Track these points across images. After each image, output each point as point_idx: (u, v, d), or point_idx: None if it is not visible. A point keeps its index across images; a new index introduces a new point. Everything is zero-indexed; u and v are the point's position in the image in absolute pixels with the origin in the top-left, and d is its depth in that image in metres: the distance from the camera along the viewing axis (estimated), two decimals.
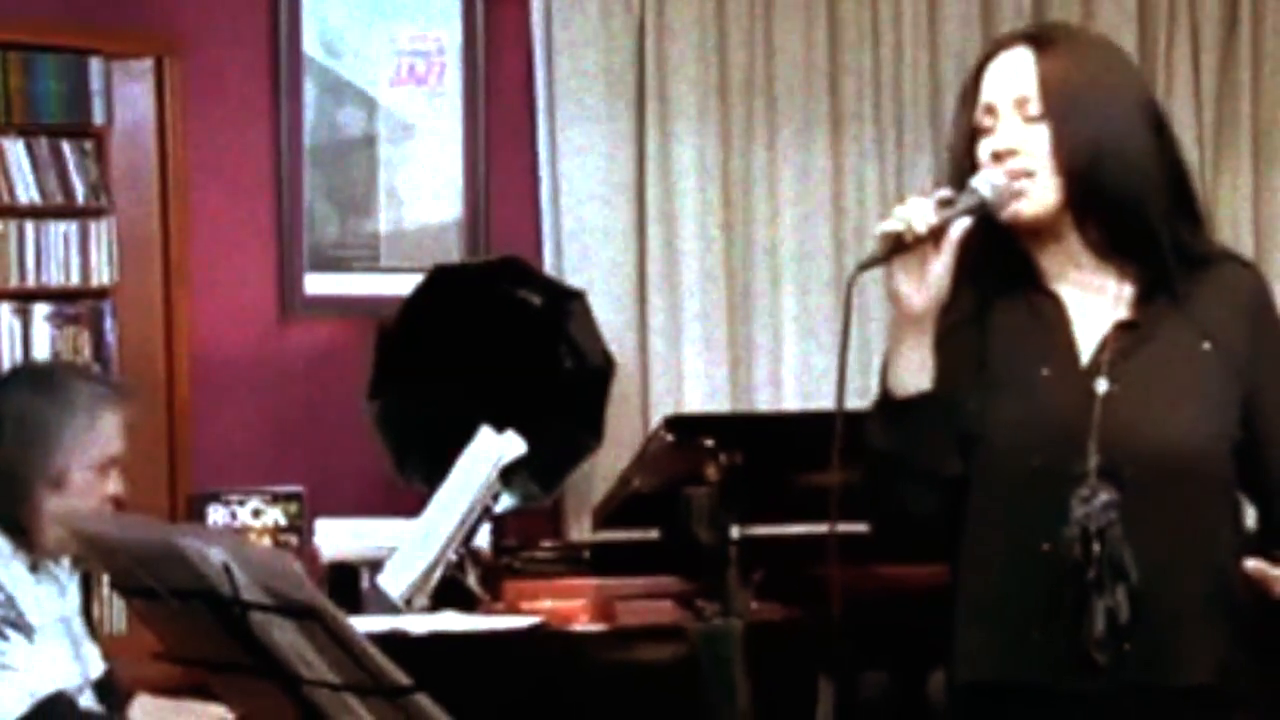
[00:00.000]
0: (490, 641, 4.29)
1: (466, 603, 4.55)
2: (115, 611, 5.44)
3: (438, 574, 4.52)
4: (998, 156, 2.71)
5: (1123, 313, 2.74)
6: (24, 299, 5.55)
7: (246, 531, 5.05)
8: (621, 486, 5.09)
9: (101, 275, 5.60)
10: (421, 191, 6.11)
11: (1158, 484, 2.65)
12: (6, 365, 5.30)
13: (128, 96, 5.62)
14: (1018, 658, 2.70)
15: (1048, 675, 2.68)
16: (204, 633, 2.64)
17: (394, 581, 4.52)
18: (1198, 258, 2.75)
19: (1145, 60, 6.46)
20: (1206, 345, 2.72)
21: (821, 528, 2.77)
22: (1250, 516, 2.82)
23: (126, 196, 5.63)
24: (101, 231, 5.60)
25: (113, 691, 3.73)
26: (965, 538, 2.76)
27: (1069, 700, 2.68)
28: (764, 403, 6.30)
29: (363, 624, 3.37)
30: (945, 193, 2.70)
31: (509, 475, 4.85)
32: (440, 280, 5.67)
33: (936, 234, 2.65)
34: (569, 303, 5.83)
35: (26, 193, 5.51)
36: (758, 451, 4.70)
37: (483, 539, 4.81)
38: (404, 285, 5.73)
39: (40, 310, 5.55)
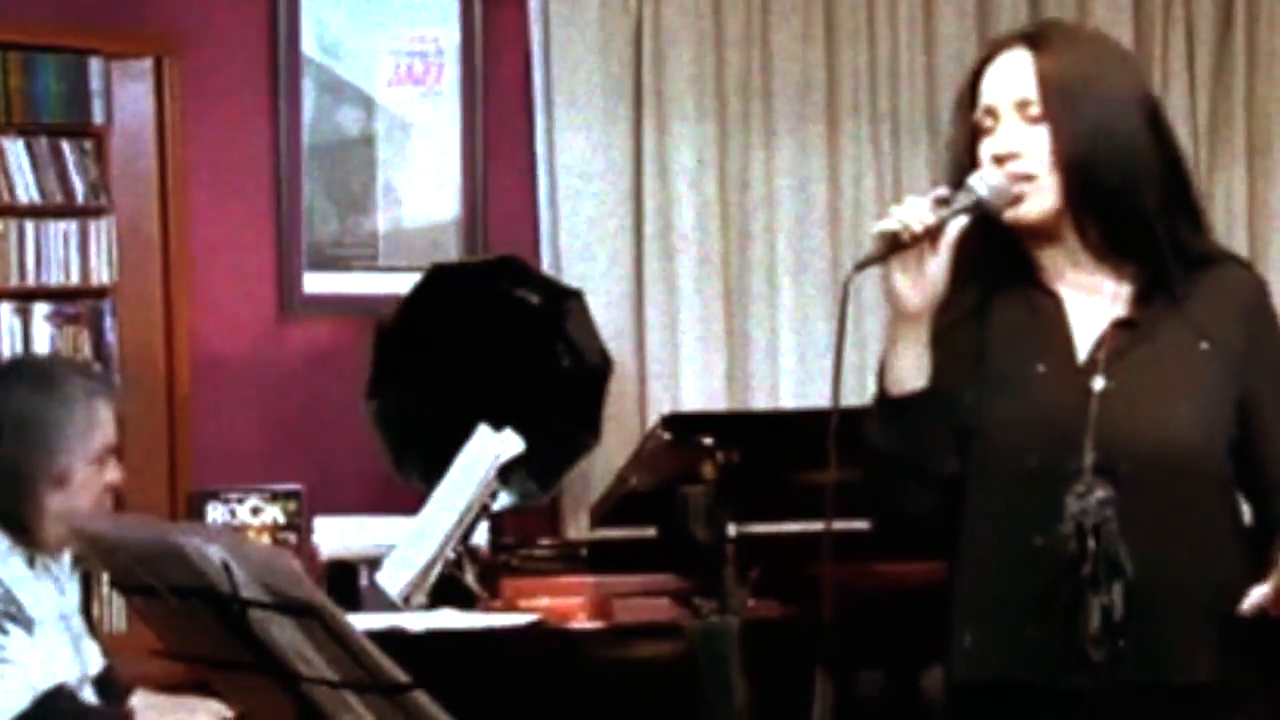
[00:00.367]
0: (488, 639, 4.28)
1: (464, 600, 4.54)
2: (115, 610, 5.45)
3: (436, 572, 4.52)
4: (999, 160, 2.72)
5: (1121, 311, 2.75)
6: (24, 298, 5.56)
7: (245, 529, 5.05)
8: (619, 485, 5.09)
9: (101, 274, 5.61)
10: (420, 191, 6.11)
11: (1153, 481, 2.66)
12: None
13: (127, 96, 5.63)
14: (1014, 655, 2.70)
15: (1044, 673, 2.68)
16: (203, 630, 2.65)
17: (392, 579, 4.53)
18: (1197, 258, 2.76)
19: (1140, 58, 6.45)
20: (1204, 345, 2.72)
21: (818, 525, 2.78)
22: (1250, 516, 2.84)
23: (126, 196, 5.64)
24: (101, 231, 5.60)
25: (112, 687, 3.73)
26: (962, 535, 2.77)
27: (1066, 698, 2.68)
28: (761, 401, 6.30)
29: (361, 621, 3.37)
30: (942, 192, 2.70)
31: (507, 473, 4.85)
32: (438, 279, 5.67)
33: (933, 233, 2.66)
34: (567, 302, 5.84)
35: (26, 192, 5.52)
36: (755, 450, 4.70)
37: (481, 537, 4.81)
38: (402, 284, 5.73)
39: (40, 309, 5.56)
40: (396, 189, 6.10)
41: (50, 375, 3.66)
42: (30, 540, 3.58)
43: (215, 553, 2.51)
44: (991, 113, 2.75)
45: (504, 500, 5.37)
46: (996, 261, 2.77)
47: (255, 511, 5.09)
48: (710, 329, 6.24)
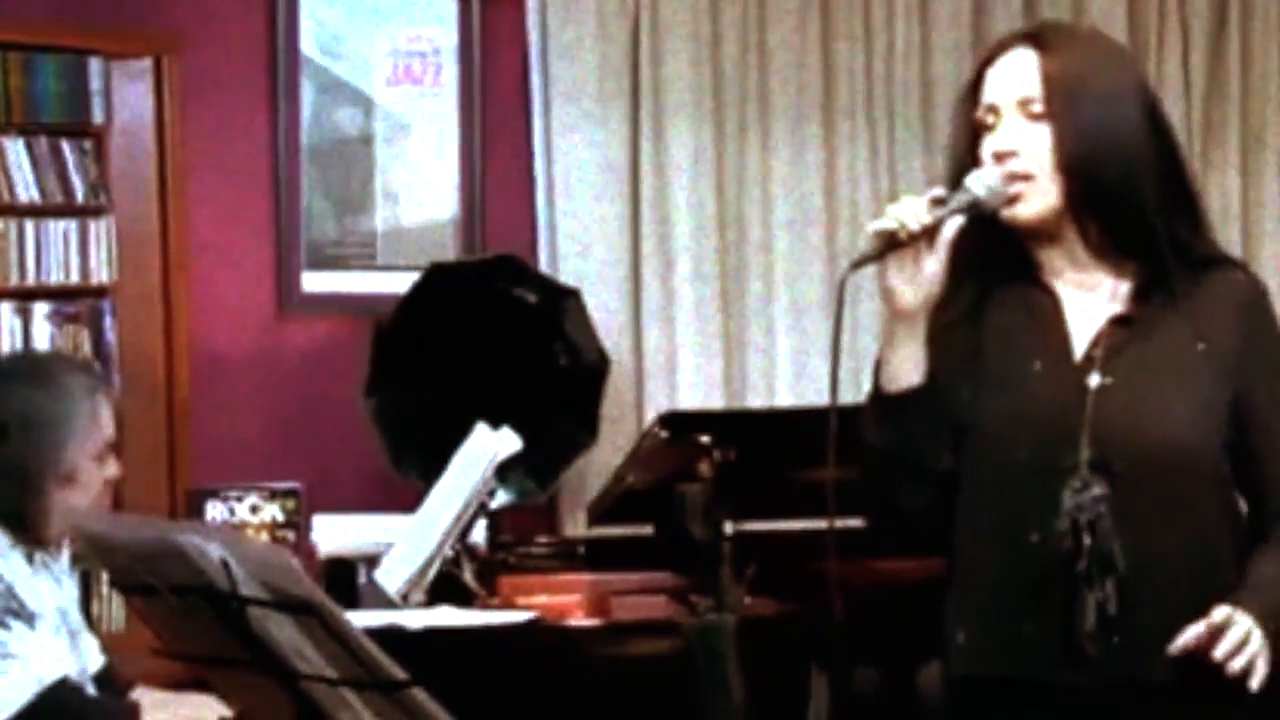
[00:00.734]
0: (486, 636, 4.28)
1: (462, 598, 4.55)
2: (114, 609, 5.46)
3: (434, 569, 4.52)
4: (999, 157, 2.72)
5: (1119, 308, 2.75)
6: (24, 297, 5.56)
7: (244, 528, 5.04)
8: (616, 483, 5.10)
9: (101, 273, 5.62)
10: (418, 190, 6.12)
11: (1147, 479, 2.66)
12: None
13: (127, 96, 5.64)
14: (1010, 651, 2.71)
15: (1040, 668, 2.69)
16: (202, 628, 2.65)
17: (391, 577, 4.53)
18: (1198, 259, 2.76)
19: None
20: (1201, 346, 2.72)
21: (814, 523, 2.79)
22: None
23: (125, 195, 5.65)
24: (101, 230, 5.61)
25: (112, 685, 3.73)
26: (958, 531, 2.78)
27: (1062, 693, 2.68)
28: (757, 399, 6.31)
29: (359, 619, 3.38)
30: (939, 192, 2.71)
31: (505, 471, 4.85)
32: (436, 278, 5.68)
33: (930, 232, 2.66)
34: (564, 301, 5.85)
35: (26, 192, 5.53)
36: (751, 448, 4.71)
37: (479, 535, 4.81)
38: (400, 283, 5.74)
39: (40, 309, 5.57)
40: (395, 188, 6.11)
41: (51, 373, 3.66)
42: (31, 537, 3.57)
43: (214, 551, 2.51)
44: (994, 110, 2.75)
45: (502, 498, 5.37)
46: (995, 259, 2.78)
47: (254, 510, 5.09)
48: (707, 328, 6.25)
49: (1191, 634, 2.63)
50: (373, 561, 4.66)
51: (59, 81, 5.56)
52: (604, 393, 5.86)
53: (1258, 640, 2.62)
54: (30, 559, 3.59)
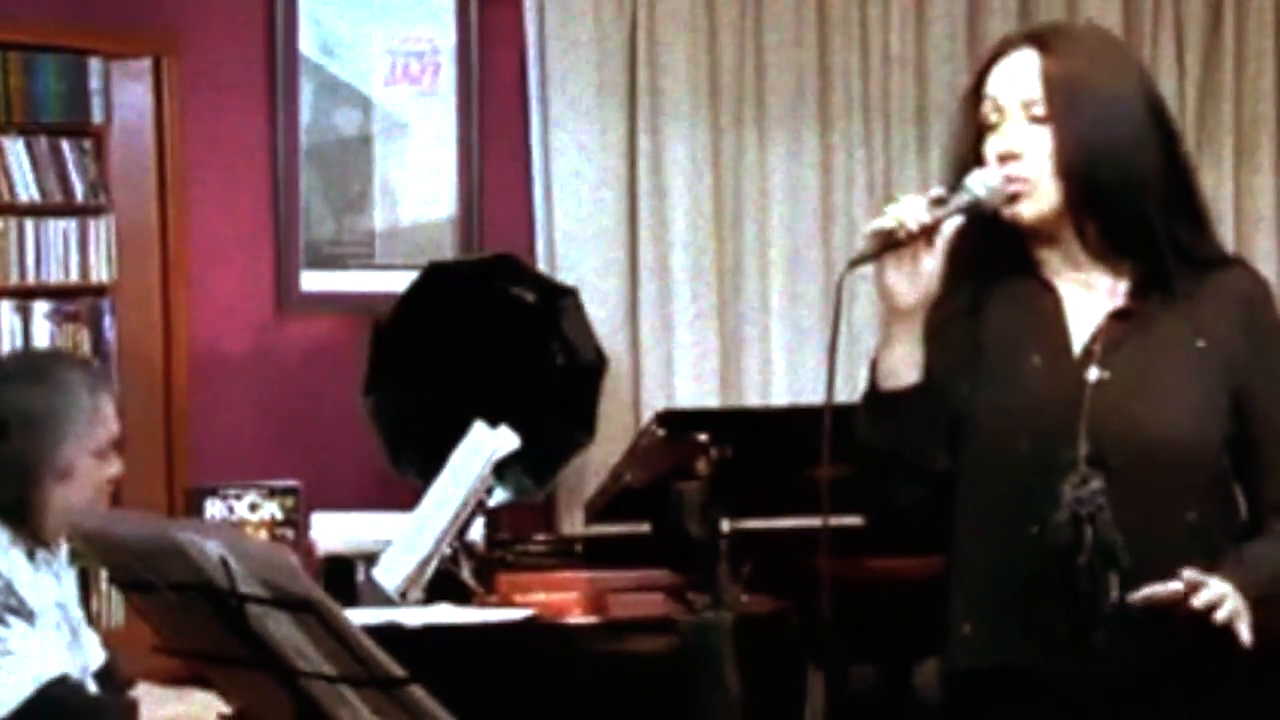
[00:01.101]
0: (484, 634, 4.29)
1: (460, 595, 4.55)
2: (113, 606, 5.47)
3: (432, 567, 4.52)
4: (1002, 159, 2.72)
5: (1118, 304, 2.74)
6: (24, 296, 5.58)
7: (243, 525, 5.04)
8: (613, 481, 5.11)
9: (100, 273, 5.64)
10: (416, 189, 6.13)
11: (1145, 473, 2.65)
12: None
13: (126, 96, 5.65)
14: (1011, 643, 2.71)
15: (1039, 661, 2.69)
16: (201, 626, 2.66)
17: (389, 574, 4.53)
18: (1200, 260, 2.76)
19: None
20: (1201, 343, 2.72)
21: (811, 521, 2.78)
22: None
23: (125, 195, 5.66)
24: (100, 229, 5.63)
25: (113, 681, 3.74)
26: (958, 525, 2.77)
27: (1063, 685, 2.68)
28: (754, 398, 6.32)
29: (358, 616, 3.39)
30: (938, 191, 2.70)
31: (502, 470, 4.86)
32: (434, 277, 5.69)
33: (929, 232, 2.66)
34: (562, 299, 5.85)
35: (26, 191, 5.54)
36: (748, 446, 4.73)
37: (476, 533, 4.82)
38: (399, 282, 5.75)
39: (40, 308, 5.58)
40: (393, 188, 6.12)
41: (52, 370, 3.66)
42: (30, 533, 3.58)
43: (213, 548, 2.52)
44: (998, 108, 2.74)
45: (499, 496, 5.39)
46: (994, 256, 2.77)
47: (253, 507, 5.09)
48: (704, 326, 6.26)
49: (1165, 587, 2.60)
50: (371, 559, 4.66)
51: (59, 81, 5.57)
52: (601, 391, 5.87)
53: (1236, 599, 2.61)
54: (31, 556, 3.60)
